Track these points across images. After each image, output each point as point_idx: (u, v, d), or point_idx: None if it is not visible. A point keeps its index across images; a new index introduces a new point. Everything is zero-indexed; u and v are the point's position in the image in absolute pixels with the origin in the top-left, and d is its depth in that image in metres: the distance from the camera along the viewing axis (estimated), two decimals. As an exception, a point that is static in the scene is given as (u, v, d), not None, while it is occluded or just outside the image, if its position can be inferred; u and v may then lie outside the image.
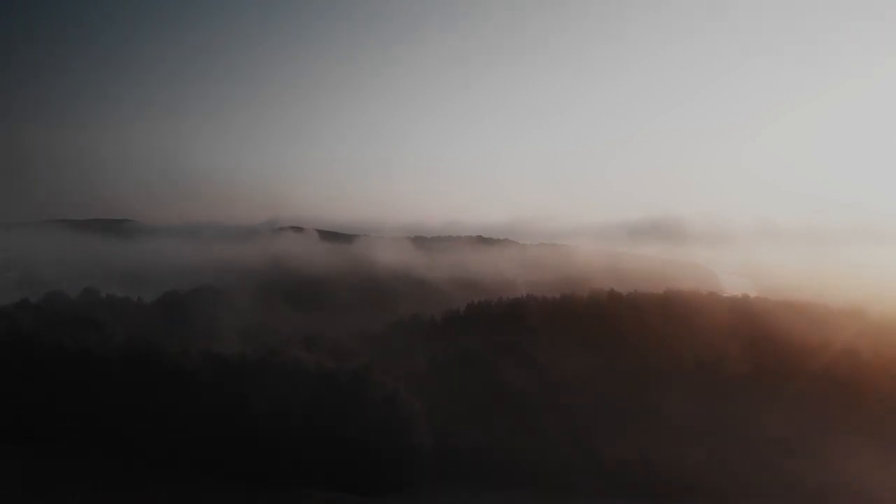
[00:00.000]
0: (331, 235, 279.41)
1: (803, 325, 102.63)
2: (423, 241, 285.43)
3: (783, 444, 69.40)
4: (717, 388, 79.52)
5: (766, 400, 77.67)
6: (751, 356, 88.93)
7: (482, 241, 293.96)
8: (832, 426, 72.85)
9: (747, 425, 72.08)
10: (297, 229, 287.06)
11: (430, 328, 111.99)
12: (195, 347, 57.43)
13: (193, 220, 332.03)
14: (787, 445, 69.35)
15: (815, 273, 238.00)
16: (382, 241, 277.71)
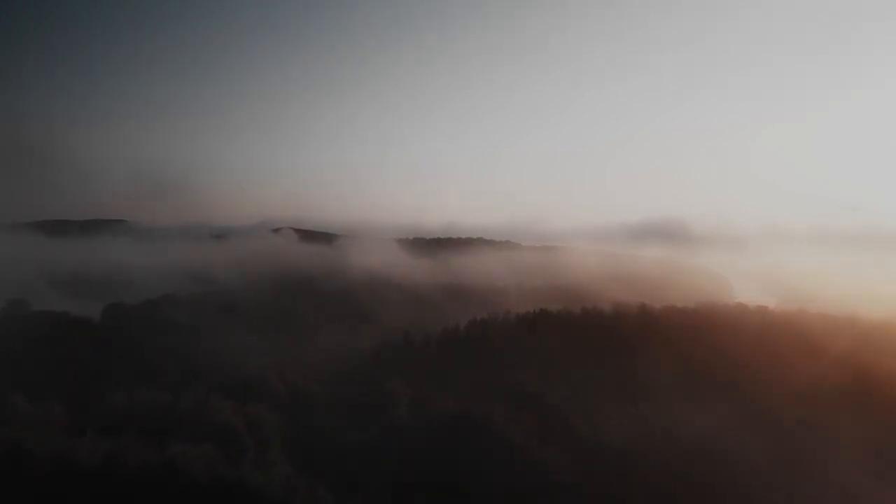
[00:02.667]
0: (323, 237, 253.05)
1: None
2: (421, 242, 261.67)
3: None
4: (819, 454, 53.04)
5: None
6: (846, 404, 62.59)
7: (482, 242, 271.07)
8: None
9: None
10: (292, 231, 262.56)
11: (424, 351, 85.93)
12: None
13: (187, 221, 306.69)
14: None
15: (830, 278, 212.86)
16: (379, 242, 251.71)
